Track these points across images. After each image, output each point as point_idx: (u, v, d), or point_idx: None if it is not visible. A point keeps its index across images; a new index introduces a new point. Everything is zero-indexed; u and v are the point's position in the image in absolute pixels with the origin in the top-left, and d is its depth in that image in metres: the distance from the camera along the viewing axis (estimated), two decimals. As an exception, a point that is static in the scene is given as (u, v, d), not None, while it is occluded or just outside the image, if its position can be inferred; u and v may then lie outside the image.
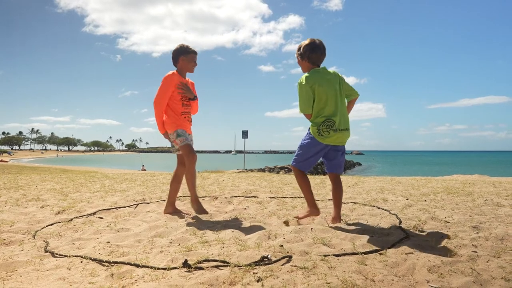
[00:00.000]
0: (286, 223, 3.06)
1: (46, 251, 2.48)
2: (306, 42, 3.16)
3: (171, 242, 2.67)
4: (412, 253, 2.36)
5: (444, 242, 2.61)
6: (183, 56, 3.58)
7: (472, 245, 2.54)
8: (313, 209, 3.21)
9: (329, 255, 2.29)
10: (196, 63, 3.67)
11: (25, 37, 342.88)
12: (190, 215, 3.64)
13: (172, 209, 3.74)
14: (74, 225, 3.27)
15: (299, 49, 3.19)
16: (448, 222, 3.23)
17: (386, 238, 2.72)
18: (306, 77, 3.09)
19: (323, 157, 3.26)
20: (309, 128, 3.16)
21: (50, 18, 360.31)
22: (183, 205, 4.30)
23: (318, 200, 4.58)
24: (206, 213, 3.63)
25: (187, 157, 3.56)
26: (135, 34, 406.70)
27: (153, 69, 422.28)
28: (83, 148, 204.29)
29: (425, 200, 4.48)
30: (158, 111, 3.57)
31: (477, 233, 2.86)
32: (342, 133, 3.12)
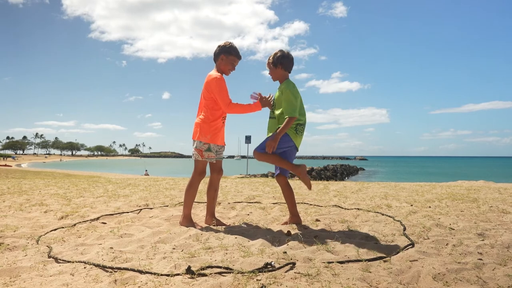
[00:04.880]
0: (289, 233, 3.05)
1: (49, 257, 2.48)
2: (279, 52, 3.40)
3: (174, 248, 2.66)
4: (416, 260, 2.34)
5: (449, 250, 2.59)
6: (224, 55, 3.39)
7: (478, 252, 2.52)
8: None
9: (333, 262, 2.28)
10: (234, 68, 3.49)
11: (31, 43, 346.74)
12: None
13: (212, 220, 3.50)
14: (78, 231, 3.27)
15: (273, 57, 3.40)
16: (453, 229, 3.21)
17: (390, 245, 2.71)
18: (293, 84, 3.35)
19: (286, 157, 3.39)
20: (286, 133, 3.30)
21: (57, 25, 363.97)
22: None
23: (322, 206, 4.57)
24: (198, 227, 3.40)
25: (197, 174, 3.41)
26: (140, 40, 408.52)
27: (158, 74, 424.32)
28: (86, 152, 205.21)
29: (430, 207, 4.45)
30: (235, 109, 3.31)
31: (483, 240, 2.83)
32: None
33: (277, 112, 3.34)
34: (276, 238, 2.87)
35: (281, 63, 3.36)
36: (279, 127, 3.27)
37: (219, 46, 3.45)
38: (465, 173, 44.29)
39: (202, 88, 3.47)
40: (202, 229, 3.25)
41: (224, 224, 3.50)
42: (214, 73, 3.39)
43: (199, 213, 4.12)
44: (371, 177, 39.61)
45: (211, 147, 3.40)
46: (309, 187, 3.39)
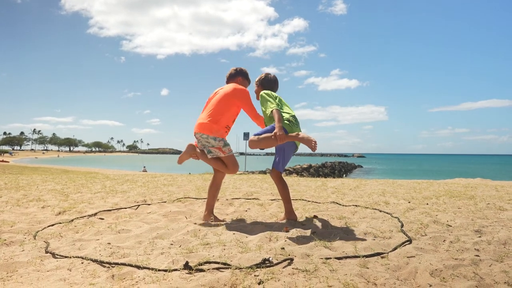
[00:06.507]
0: (286, 229, 3.05)
1: (46, 252, 2.47)
2: (263, 75, 3.66)
3: (172, 244, 2.66)
4: (414, 256, 2.35)
5: (447, 246, 2.60)
6: (242, 78, 3.68)
7: (475, 249, 2.52)
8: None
9: (330, 258, 2.28)
10: None
11: (29, 39, 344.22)
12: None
13: (210, 217, 3.49)
14: (75, 226, 3.26)
15: (258, 78, 3.67)
16: (450, 226, 3.22)
17: (388, 241, 2.71)
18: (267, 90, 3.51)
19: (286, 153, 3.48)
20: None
21: (54, 20, 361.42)
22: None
23: (320, 203, 4.57)
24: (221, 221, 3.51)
25: (233, 167, 3.50)
26: (139, 36, 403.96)
27: (157, 71, 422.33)
28: (84, 149, 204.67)
29: (427, 204, 4.47)
30: (261, 120, 3.55)
31: (480, 237, 2.84)
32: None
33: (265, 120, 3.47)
34: (274, 234, 2.88)
35: (261, 84, 3.62)
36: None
37: (235, 69, 3.70)
38: (462, 171, 44.45)
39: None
40: (194, 221, 3.26)
41: (222, 221, 3.50)
42: (239, 86, 3.56)
43: (197, 209, 4.12)
44: (369, 174, 39.72)
45: (226, 142, 3.47)
46: (313, 146, 3.18)
